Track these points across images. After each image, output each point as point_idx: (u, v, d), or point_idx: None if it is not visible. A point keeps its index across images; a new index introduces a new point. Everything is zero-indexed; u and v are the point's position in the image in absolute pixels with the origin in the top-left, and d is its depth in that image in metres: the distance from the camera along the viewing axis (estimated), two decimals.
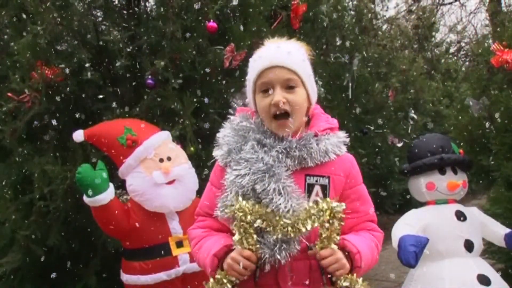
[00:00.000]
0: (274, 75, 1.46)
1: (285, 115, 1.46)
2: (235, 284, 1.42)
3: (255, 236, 1.39)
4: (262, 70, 1.48)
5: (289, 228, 1.36)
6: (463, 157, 2.86)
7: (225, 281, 1.40)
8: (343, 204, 1.38)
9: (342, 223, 1.39)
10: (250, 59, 1.56)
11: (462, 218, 2.73)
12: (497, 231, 2.75)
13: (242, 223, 1.38)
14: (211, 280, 1.42)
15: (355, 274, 1.40)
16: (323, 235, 1.38)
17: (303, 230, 1.36)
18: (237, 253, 1.39)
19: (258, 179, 1.40)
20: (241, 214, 1.37)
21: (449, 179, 2.80)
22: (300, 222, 1.36)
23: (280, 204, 1.37)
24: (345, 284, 1.38)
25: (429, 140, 2.92)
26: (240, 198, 1.40)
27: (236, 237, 1.39)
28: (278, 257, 1.38)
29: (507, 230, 2.72)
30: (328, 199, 1.40)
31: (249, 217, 1.37)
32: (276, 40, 1.58)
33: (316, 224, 1.37)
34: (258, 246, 1.39)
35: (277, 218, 1.37)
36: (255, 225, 1.38)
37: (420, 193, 2.90)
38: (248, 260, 1.38)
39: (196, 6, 2.98)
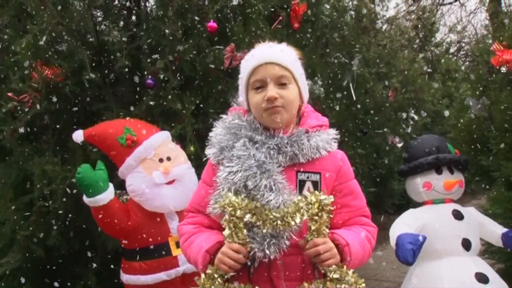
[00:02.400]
0: (267, 72, 1.48)
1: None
2: (226, 279, 1.43)
3: (245, 231, 1.40)
4: (255, 67, 1.50)
5: (278, 222, 1.37)
6: (459, 157, 2.89)
7: (216, 276, 1.41)
8: (331, 196, 1.40)
9: (331, 216, 1.40)
10: (242, 60, 1.57)
11: (459, 217, 2.74)
12: (494, 231, 2.77)
13: (232, 218, 1.39)
14: (203, 275, 1.43)
15: (345, 266, 1.41)
16: (312, 228, 1.39)
17: (292, 223, 1.37)
18: (227, 247, 1.40)
19: (250, 176, 1.41)
20: (230, 209, 1.38)
21: (445, 179, 2.82)
22: (289, 215, 1.37)
23: (271, 200, 1.38)
24: (335, 276, 1.39)
25: (425, 141, 2.95)
26: (230, 194, 1.40)
27: (226, 232, 1.40)
28: (267, 252, 1.38)
29: (504, 230, 2.74)
30: (316, 192, 1.41)
31: (238, 211, 1.38)
32: (267, 43, 1.59)
33: (305, 217, 1.38)
34: (248, 240, 1.40)
35: (267, 212, 1.38)
36: (245, 219, 1.39)
37: (417, 193, 2.92)
38: (237, 253, 1.39)
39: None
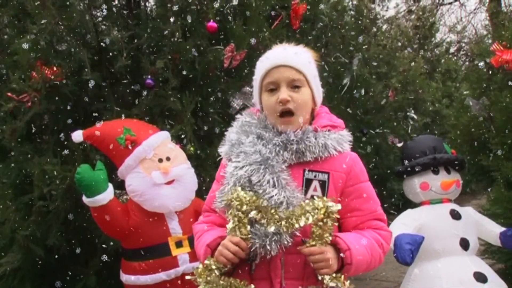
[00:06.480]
0: (280, 74, 1.50)
1: (290, 113, 1.49)
2: (223, 272, 1.43)
3: (248, 227, 1.40)
4: (269, 69, 1.51)
5: (283, 223, 1.38)
6: (456, 157, 2.90)
7: (214, 267, 1.42)
8: (339, 204, 1.39)
9: (336, 224, 1.41)
10: (258, 61, 1.59)
11: (457, 217, 2.75)
12: (492, 230, 2.78)
13: (237, 212, 1.39)
14: (200, 266, 1.44)
15: (342, 276, 1.39)
16: (316, 233, 1.39)
17: (296, 225, 1.37)
18: (228, 240, 1.41)
19: (254, 170, 1.43)
20: (237, 203, 1.39)
21: (442, 179, 2.83)
22: (294, 217, 1.37)
23: (273, 195, 1.39)
24: (332, 284, 1.38)
25: (422, 141, 2.96)
26: (239, 188, 1.41)
27: (230, 225, 1.41)
28: (269, 248, 1.39)
29: (502, 229, 2.74)
30: (324, 198, 1.40)
31: (244, 207, 1.39)
32: (284, 44, 1.61)
33: (309, 221, 1.37)
34: (250, 236, 1.40)
35: (272, 211, 1.39)
36: (250, 215, 1.39)
37: (414, 194, 2.92)
38: (237, 246, 1.39)
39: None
